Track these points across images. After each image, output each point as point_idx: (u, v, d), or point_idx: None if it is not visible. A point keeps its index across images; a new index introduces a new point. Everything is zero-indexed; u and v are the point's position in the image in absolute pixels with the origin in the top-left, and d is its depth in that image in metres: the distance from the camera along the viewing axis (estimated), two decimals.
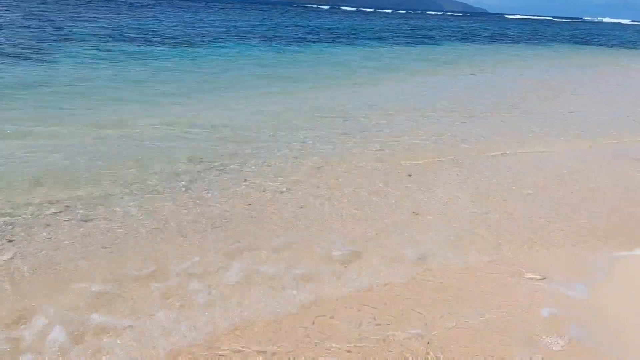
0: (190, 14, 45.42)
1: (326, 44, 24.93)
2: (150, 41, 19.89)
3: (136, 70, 13.17)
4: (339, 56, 20.07)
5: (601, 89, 15.02)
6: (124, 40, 19.12)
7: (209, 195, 5.32)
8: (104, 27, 24.12)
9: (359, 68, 16.72)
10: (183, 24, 30.70)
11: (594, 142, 8.43)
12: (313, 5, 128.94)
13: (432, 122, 9.11)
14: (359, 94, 11.64)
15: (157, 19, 33.00)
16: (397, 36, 34.43)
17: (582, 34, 55.97)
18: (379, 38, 31.78)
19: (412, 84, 13.93)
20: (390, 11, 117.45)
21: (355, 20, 58.66)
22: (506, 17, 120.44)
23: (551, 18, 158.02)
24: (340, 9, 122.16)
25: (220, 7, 70.50)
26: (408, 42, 29.72)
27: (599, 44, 40.78)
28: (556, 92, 13.48)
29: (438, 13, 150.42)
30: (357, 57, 20.10)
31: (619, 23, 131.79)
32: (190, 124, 8.00)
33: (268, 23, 39.00)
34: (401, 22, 62.01)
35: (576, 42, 40.94)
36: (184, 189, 5.41)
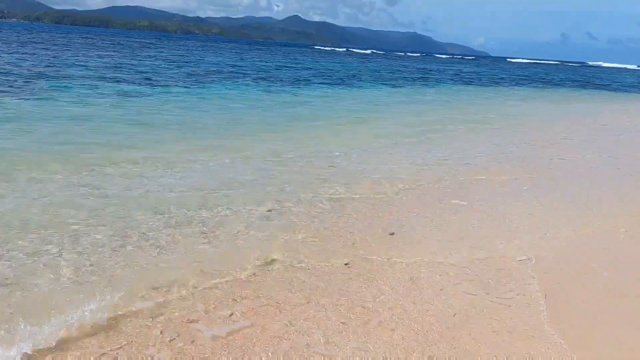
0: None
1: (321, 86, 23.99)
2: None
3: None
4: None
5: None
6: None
7: None
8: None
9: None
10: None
11: None
12: (327, 48, 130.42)
13: None
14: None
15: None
16: (412, 77, 33.58)
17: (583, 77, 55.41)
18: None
19: None
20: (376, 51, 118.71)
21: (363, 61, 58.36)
22: (511, 61, 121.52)
23: (559, 62, 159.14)
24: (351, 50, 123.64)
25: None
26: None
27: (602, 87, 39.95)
28: None
29: (452, 55, 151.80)
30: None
31: (625, 68, 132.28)
32: None
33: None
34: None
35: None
36: None
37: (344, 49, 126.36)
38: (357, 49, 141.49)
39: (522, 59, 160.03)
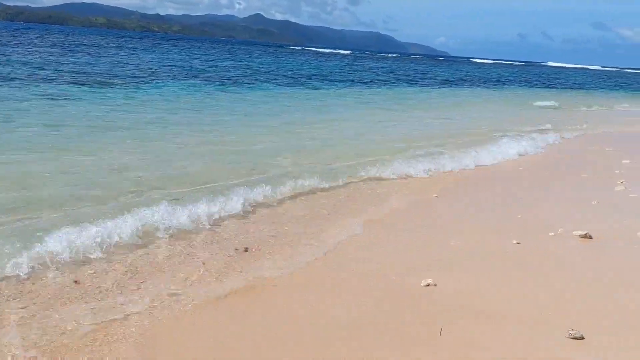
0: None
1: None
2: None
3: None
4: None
5: None
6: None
7: None
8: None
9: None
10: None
11: None
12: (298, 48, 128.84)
13: None
14: None
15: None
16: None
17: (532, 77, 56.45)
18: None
19: None
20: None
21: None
22: (474, 61, 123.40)
23: (524, 63, 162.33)
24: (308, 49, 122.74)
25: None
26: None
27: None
28: None
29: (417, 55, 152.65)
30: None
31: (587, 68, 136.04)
32: None
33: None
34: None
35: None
36: None
37: (329, 50, 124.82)
38: (340, 49, 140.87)
39: (486, 59, 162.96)
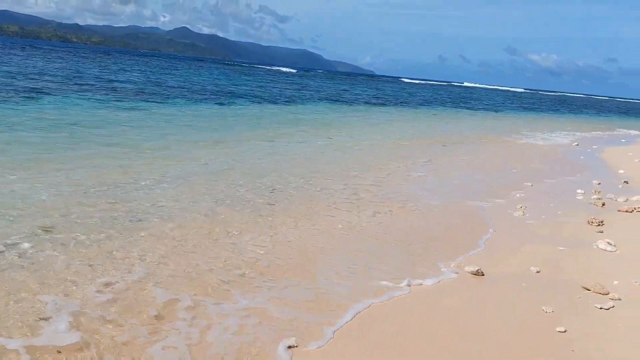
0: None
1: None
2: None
3: None
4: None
5: None
6: None
7: None
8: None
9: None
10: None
11: None
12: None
13: None
14: None
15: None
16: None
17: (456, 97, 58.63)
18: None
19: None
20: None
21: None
22: (403, 81, 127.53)
23: (447, 83, 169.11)
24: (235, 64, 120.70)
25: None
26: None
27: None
28: None
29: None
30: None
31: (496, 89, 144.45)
32: None
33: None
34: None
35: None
36: None
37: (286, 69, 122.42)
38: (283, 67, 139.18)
39: (412, 79, 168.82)
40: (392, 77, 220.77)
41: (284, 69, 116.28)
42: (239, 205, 7.09)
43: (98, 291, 4.23)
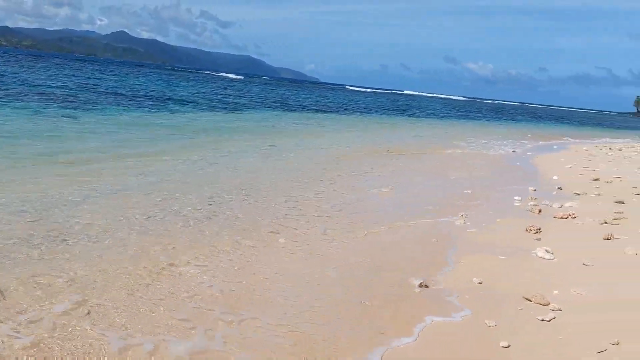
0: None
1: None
2: None
3: None
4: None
5: None
6: None
7: None
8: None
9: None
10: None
11: None
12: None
13: None
14: None
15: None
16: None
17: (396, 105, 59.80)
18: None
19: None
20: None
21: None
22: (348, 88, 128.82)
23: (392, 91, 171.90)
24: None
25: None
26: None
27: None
28: None
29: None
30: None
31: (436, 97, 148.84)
32: None
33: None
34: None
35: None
36: None
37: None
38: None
39: (357, 86, 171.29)
40: (337, 84, 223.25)
41: (231, 75, 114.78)
42: (175, 220, 6.71)
43: (14, 330, 3.74)
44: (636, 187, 11.31)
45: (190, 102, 28.50)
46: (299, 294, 4.88)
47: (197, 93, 37.49)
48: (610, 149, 23.25)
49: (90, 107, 19.90)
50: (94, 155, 10.57)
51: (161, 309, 4.32)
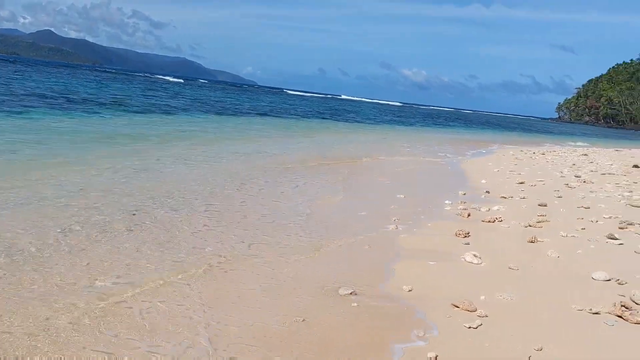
0: None
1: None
2: None
3: None
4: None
5: None
6: None
7: None
8: None
9: None
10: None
11: None
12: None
13: None
14: None
15: None
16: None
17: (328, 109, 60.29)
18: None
19: None
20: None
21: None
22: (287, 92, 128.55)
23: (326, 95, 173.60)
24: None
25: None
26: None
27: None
28: None
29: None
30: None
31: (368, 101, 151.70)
32: None
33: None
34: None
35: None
36: None
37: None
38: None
39: (295, 90, 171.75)
40: (275, 88, 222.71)
41: (169, 78, 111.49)
42: (94, 233, 6.26)
43: None
44: (558, 190, 11.86)
45: (119, 105, 27.30)
46: (225, 313, 4.63)
47: (127, 96, 36.04)
48: (534, 153, 24.46)
49: (6, 110, 18.58)
50: (5, 164, 9.78)
51: (75, 335, 3.96)
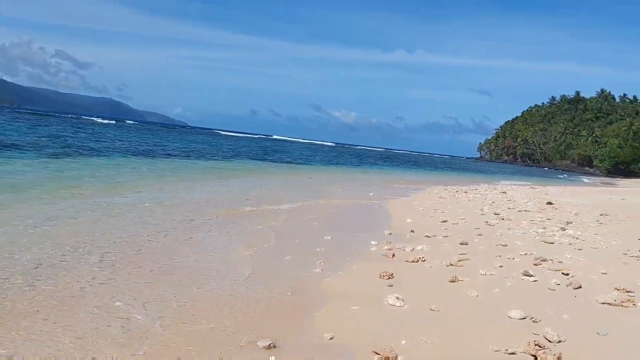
0: None
1: None
2: None
3: None
4: None
5: None
6: None
7: None
8: None
9: None
10: None
11: None
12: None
13: None
14: None
15: None
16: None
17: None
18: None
19: None
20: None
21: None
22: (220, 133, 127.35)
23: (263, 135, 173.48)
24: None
25: None
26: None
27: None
28: None
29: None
30: None
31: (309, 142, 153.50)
32: None
33: None
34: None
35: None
36: None
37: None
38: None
39: (227, 131, 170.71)
40: (206, 128, 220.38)
41: (100, 120, 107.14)
42: None
43: None
44: (478, 228, 12.27)
45: (31, 148, 25.75)
46: None
47: (40, 137, 34.24)
48: (457, 191, 25.40)
49: None
50: None
51: None
